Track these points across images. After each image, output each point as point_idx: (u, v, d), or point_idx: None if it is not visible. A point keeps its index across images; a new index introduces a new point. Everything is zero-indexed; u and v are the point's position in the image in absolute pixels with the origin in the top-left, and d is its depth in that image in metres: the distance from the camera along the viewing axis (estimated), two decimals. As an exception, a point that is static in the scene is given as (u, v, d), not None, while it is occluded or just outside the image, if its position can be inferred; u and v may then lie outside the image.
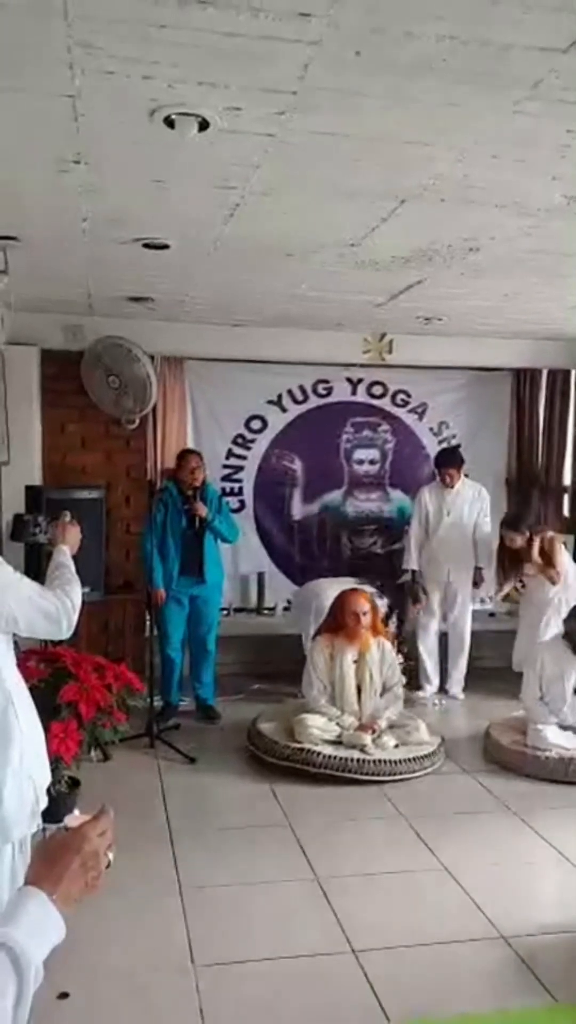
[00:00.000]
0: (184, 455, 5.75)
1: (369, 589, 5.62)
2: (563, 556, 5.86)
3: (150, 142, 2.60)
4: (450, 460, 6.23)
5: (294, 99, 2.30)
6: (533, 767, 4.81)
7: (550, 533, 5.91)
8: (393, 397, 6.92)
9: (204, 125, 2.46)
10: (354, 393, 6.86)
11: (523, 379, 6.96)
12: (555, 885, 3.75)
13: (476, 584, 6.25)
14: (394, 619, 6.21)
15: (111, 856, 1.27)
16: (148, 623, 5.75)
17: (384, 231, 3.55)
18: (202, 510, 5.51)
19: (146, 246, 3.86)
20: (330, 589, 5.65)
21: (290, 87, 2.23)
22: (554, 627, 5.59)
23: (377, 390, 6.89)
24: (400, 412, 6.94)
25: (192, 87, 2.26)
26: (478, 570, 6.22)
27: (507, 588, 6.14)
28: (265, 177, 2.91)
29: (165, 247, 3.89)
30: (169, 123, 2.45)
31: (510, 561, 6.00)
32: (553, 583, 5.77)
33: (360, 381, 6.84)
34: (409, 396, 6.94)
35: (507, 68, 2.10)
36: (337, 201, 3.20)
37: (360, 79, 2.18)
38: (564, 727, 4.96)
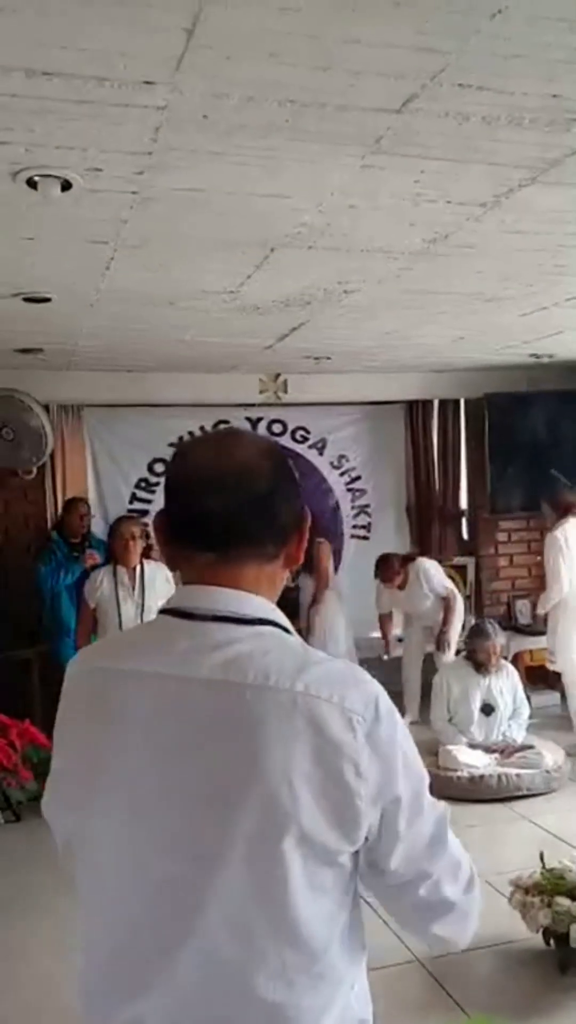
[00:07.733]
0: (74, 502, 5.75)
1: None
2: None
3: (15, 202, 2.65)
4: None
5: (151, 159, 2.38)
6: (445, 788, 4.89)
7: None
8: (293, 434, 7.04)
9: (67, 185, 2.52)
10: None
11: (416, 410, 7.18)
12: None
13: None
14: None
15: None
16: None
17: (259, 278, 3.65)
18: (95, 558, 5.48)
19: (27, 300, 3.89)
20: None
21: (145, 148, 2.31)
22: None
23: (277, 428, 7.00)
24: (300, 448, 7.07)
25: (50, 151, 2.32)
26: None
27: None
28: (135, 231, 2.99)
29: (47, 300, 3.92)
30: (32, 184, 2.50)
31: None
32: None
33: (260, 420, 6.94)
34: (308, 432, 7.08)
35: (347, 128, 2.23)
36: (209, 251, 3.29)
37: (212, 139, 2.28)
38: (473, 746, 5.09)
